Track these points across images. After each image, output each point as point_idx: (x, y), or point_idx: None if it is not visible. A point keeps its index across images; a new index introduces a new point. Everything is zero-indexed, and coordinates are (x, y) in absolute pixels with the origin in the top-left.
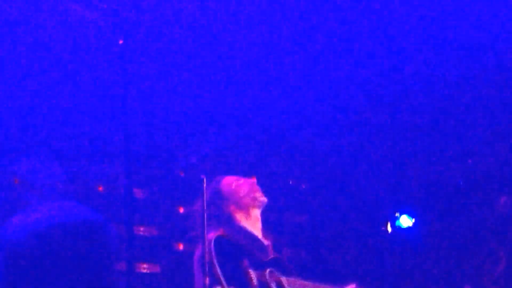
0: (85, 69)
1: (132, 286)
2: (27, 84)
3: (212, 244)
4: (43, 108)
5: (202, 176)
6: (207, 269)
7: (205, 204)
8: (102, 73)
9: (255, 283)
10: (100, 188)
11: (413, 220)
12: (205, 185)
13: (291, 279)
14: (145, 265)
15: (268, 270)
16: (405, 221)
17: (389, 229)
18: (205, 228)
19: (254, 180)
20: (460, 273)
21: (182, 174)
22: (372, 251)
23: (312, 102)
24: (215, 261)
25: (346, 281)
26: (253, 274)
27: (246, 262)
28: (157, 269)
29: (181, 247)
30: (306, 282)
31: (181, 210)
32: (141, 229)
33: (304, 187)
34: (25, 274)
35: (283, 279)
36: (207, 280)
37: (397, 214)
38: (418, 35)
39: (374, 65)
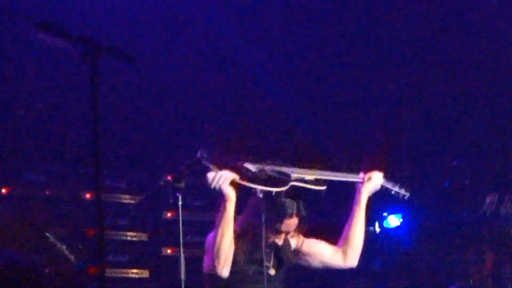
0: None
1: None
2: None
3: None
4: None
5: None
6: None
7: None
8: None
9: (256, 168)
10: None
11: (401, 219)
12: None
13: (296, 169)
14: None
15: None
16: (393, 220)
17: (377, 228)
18: None
19: None
20: (448, 272)
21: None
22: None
23: None
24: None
25: None
26: (250, 165)
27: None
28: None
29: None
30: (314, 170)
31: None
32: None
33: None
34: None
35: (284, 169)
36: None
37: (385, 214)
38: None
39: None
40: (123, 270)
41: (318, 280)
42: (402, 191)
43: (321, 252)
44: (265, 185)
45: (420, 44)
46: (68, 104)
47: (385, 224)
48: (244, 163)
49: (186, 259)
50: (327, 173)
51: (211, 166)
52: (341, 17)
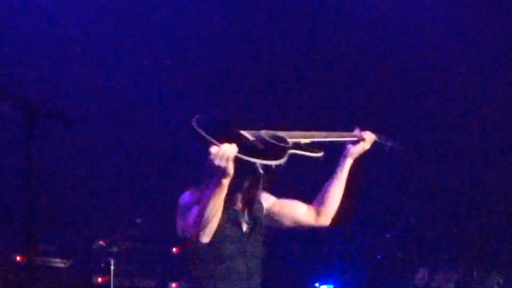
0: None
1: None
2: None
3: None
4: None
5: None
6: None
7: None
8: None
9: (254, 139)
10: None
11: None
12: None
13: (289, 132)
14: None
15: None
16: None
17: None
18: None
19: None
20: None
21: None
22: None
23: None
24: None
25: None
26: (246, 133)
27: (234, 128)
28: None
29: None
30: (309, 133)
31: None
32: None
33: None
34: None
35: (280, 133)
36: None
37: (316, 285)
38: None
39: None
40: None
41: None
42: (397, 145)
43: (293, 210)
44: (265, 158)
45: None
46: (1, 165)
47: None
48: (239, 130)
49: None
50: (323, 134)
51: (210, 139)
52: None
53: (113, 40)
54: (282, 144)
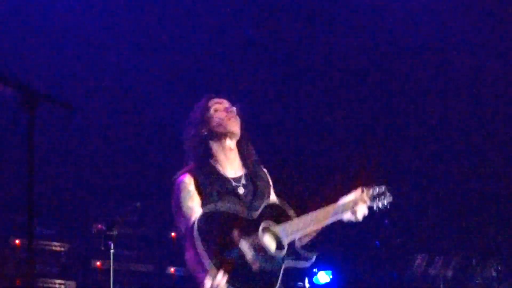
0: None
1: None
2: None
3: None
4: None
5: None
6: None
7: None
8: None
9: (251, 256)
10: None
11: (331, 276)
12: None
13: (286, 225)
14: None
15: (258, 234)
16: (323, 277)
17: (307, 285)
18: None
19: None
20: None
21: None
22: None
23: None
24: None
25: None
26: (245, 245)
27: (235, 233)
28: None
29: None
30: (302, 218)
31: None
32: None
33: None
34: None
35: (277, 230)
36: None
37: (315, 270)
38: None
39: None
40: None
41: None
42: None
43: None
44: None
45: None
46: (1, 150)
47: (315, 281)
48: (239, 238)
49: None
50: (320, 217)
51: (206, 259)
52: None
53: (114, 29)
54: (276, 266)
